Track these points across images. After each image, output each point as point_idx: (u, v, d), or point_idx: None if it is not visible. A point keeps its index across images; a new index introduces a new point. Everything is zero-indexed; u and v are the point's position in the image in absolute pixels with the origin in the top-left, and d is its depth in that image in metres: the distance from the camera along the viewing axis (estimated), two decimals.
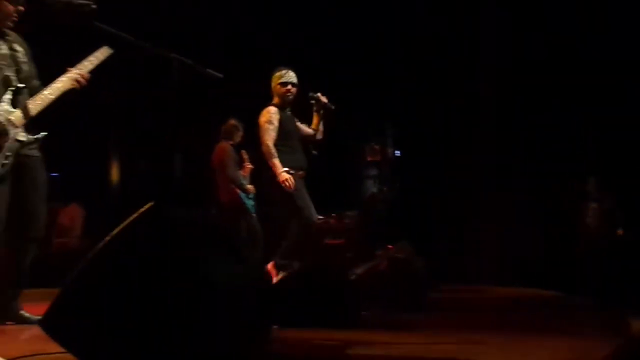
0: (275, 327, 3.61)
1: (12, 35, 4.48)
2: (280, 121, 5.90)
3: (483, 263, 9.83)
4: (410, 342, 4.05)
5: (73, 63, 4.53)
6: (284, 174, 5.70)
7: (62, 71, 4.50)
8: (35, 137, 4.38)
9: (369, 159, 10.80)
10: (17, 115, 4.28)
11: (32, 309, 4.65)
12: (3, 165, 4.18)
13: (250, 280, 3.12)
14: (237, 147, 7.87)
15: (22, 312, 4.55)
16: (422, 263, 6.09)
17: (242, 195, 7.75)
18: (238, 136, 7.87)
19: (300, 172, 5.90)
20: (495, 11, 9.62)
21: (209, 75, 3.94)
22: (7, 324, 4.45)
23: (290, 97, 5.99)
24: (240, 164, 7.89)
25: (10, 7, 4.36)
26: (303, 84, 6.02)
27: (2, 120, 4.21)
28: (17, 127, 4.26)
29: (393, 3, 10.03)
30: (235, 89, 6.19)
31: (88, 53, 4.60)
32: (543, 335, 4.42)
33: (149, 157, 9.68)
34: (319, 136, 6.21)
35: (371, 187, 10.92)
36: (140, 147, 9.66)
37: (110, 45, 4.54)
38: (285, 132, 5.90)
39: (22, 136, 4.30)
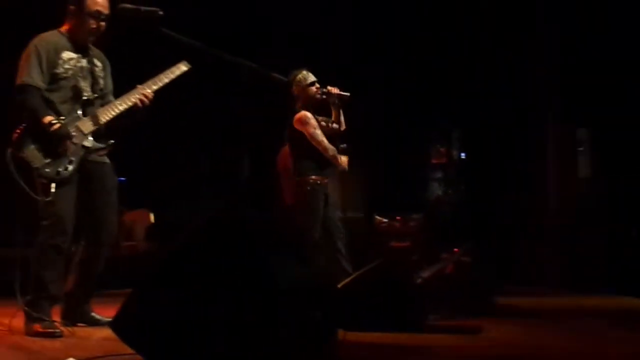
0: (340, 330, 3.61)
1: (95, 51, 4.63)
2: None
3: (551, 266, 9.65)
4: (477, 346, 4.01)
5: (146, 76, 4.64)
6: (344, 162, 5.92)
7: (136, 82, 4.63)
8: (101, 145, 4.50)
9: (434, 161, 10.74)
10: (85, 122, 4.42)
11: (102, 311, 4.75)
12: (66, 168, 4.29)
13: (316, 283, 3.13)
14: None
15: (93, 314, 4.66)
16: (489, 266, 6.02)
17: None
18: None
19: (326, 181, 5.90)
20: (558, 10, 9.46)
21: (274, 79, 3.98)
22: (79, 326, 4.55)
23: (319, 96, 5.95)
24: None
25: (93, 23, 4.48)
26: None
27: (69, 126, 4.33)
28: (84, 133, 4.39)
29: (457, 5, 9.94)
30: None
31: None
32: (615, 342, 4.32)
33: (215, 160, 9.77)
34: (342, 127, 6.15)
35: (436, 190, 10.86)
36: (207, 151, 9.74)
37: (178, 51, 4.62)
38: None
39: (88, 142, 4.42)
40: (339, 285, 4.58)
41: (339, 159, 5.91)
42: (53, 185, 4.22)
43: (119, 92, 4.70)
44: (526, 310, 6.32)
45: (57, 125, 4.26)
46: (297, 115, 5.83)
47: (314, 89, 5.89)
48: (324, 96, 5.96)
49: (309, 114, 5.85)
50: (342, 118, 6.11)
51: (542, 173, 9.70)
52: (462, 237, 7.70)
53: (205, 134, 9.56)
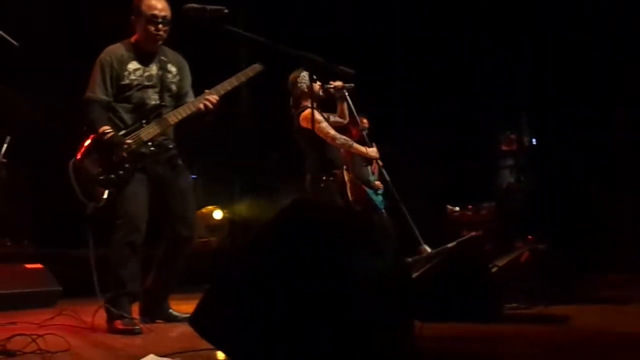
0: (416, 321, 3.58)
1: (169, 56, 4.71)
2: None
3: (627, 253, 9.41)
4: (555, 336, 3.93)
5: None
6: (372, 150, 6.14)
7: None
8: (161, 150, 4.59)
9: (504, 148, 10.58)
10: (147, 129, 4.51)
11: (180, 307, 4.82)
12: (119, 176, 4.39)
13: (391, 275, 3.11)
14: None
15: (171, 310, 4.75)
16: (566, 253, 5.90)
17: (370, 191, 7.75)
18: (359, 131, 7.87)
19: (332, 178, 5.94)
20: None
21: (341, 73, 3.96)
22: (158, 322, 4.63)
23: (323, 93, 5.99)
24: (368, 161, 7.89)
25: (152, 28, 4.54)
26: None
27: (129, 134, 4.45)
28: (143, 140, 4.48)
29: None
30: (364, 85, 6.18)
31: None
32: None
33: (280, 152, 9.81)
34: (346, 120, 6.25)
35: (508, 177, 10.69)
36: (271, 143, 9.78)
37: (245, 48, 4.66)
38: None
39: (146, 149, 4.51)
40: (414, 276, 4.55)
41: (360, 148, 6.04)
42: (106, 191, 4.34)
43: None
44: (605, 298, 6.18)
45: (110, 134, 4.39)
46: (303, 114, 5.84)
47: (317, 86, 5.91)
48: (330, 91, 6.02)
49: (314, 112, 5.83)
50: (346, 110, 6.22)
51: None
52: (536, 224, 7.57)
53: (272, 129, 9.60)
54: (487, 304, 4.51)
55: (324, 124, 5.83)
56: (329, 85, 5.97)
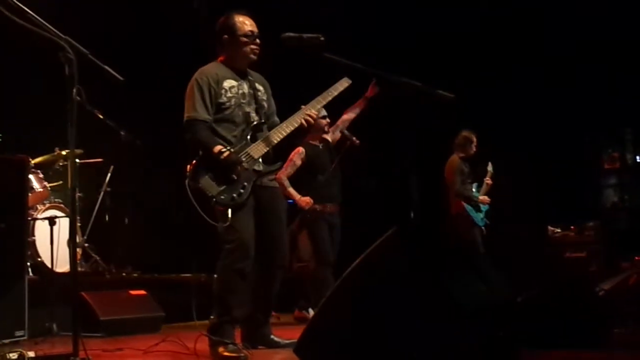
0: (522, 348, 3.49)
1: (254, 75, 4.76)
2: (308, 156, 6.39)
3: None
4: None
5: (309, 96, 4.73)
6: (303, 200, 6.34)
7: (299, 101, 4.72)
8: (271, 168, 4.62)
9: (606, 166, 10.29)
10: (255, 147, 4.54)
11: (280, 333, 4.84)
12: (240, 194, 4.41)
13: (496, 300, 3.05)
14: (472, 159, 7.82)
15: (273, 336, 4.76)
16: None
17: (468, 208, 7.67)
18: (470, 148, 7.80)
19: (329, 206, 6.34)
20: None
21: (440, 97, 3.91)
22: (259, 348, 4.65)
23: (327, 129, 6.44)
24: (474, 177, 7.81)
25: (248, 45, 4.62)
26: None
27: (239, 152, 4.46)
28: (254, 158, 4.50)
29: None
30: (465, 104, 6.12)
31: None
32: None
33: (379, 175, 9.78)
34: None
35: (611, 196, 10.38)
36: (370, 166, 9.75)
37: (342, 74, 4.69)
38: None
39: (260, 166, 4.54)
40: (519, 301, 4.44)
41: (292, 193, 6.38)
42: (229, 211, 4.35)
43: (281, 114, 4.84)
44: None
45: (227, 153, 4.41)
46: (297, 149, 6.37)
47: (324, 122, 6.23)
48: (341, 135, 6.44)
49: (300, 150, 6.41)
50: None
51: None
52: None
53: (370, 152, 9.58)
54: (595, 329, 4.37)
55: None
56: (345, 132, 6.40)
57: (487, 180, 7.83)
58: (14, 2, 3.32)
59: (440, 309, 2.63)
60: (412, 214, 4.59)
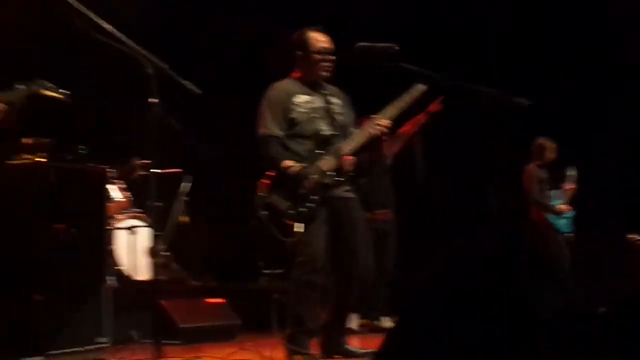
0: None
1: (330, 89, 4.76)
2: None
3: None
4: None
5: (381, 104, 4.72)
6: None
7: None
8: (342, 180, 4.61)
9: None
10: (325, 160, 4.54)
11: (355, 342, 4.84)
12: (309, 208, 4.43)
13: (575, 311, 2.98)
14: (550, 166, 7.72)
15: (347, 345, 4.75)
16: None
17: (550, 215, 7.57)
18: (546, 155, 7.70)
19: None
20: None
21: (515, 104, 3.87)
22: (336, 358, 4.65)
23: None
24: (553, 183, 7.70)
25: (322, 61, 4.64)
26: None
27: (309, 167, 4.49)
28: (323, 171, 4.51)
29: None
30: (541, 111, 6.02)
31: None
32: None
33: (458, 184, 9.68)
34: None
35: None
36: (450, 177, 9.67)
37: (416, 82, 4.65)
38: None
39: (328, 179, 4.54)
40: (601, 312, 4.33)
41: None
42: (297, 225, 4.39)
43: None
44: None
45: (295, 169, 4.45)
46: None
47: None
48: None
49: None
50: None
51: None
52: None
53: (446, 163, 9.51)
54: None
55: None
56: None
57: (569, 186, 7.69)
58: (94, 18, 3.42)
59: (519, 320, 2.58)
60: (490, 223, 4.56)
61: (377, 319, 6.84)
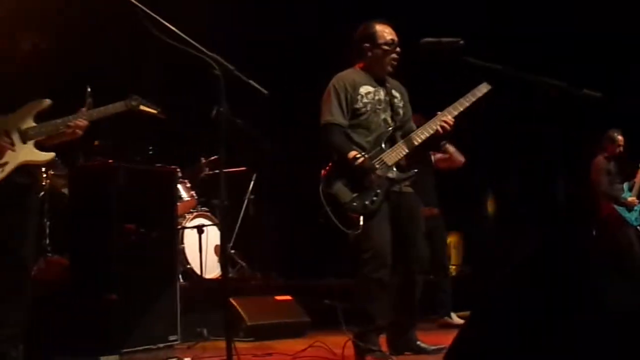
0: None
1: (392, 82, 4.76)
2: None
3: None
4: None
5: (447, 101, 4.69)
6: None
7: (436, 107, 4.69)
8: (405, 175, 4.59)
9: None
10: (389, 154, 4.53)
11: (427, 339, 4.81)
12: (373, 201, 4.41)
13: None
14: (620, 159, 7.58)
15: (419, 342, 4.72)
16: None
17: (619, 208, 7.41)
18: (614, 147, 7.57)
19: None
20: None
21: (587, 97, 3.79)
22: (406, 355, 4.63)
23: None
24: (624, 176, 7.56)
25: (390, 54, 4.63)
26: None
27: (373, 159, 4.47)
28: (388, 165, 4.50)
29: None
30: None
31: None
32: None
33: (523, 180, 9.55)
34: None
35: None
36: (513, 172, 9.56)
37: (483, 78, 4.61)
38: None
39: (393, 174, 4.52)
40: None
41: None
42: (362, 218, 4.36)
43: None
44: None
45: (362, 160, 4.42)
46: None
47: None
48: None
49: None
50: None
51: None
52: None
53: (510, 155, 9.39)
54: None
55: None
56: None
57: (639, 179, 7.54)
58: (164, 22, 3.47)
59: (592, 314, 2.54)
60: (559, 218, 4.48)
61: (448, 315, 6.79)
